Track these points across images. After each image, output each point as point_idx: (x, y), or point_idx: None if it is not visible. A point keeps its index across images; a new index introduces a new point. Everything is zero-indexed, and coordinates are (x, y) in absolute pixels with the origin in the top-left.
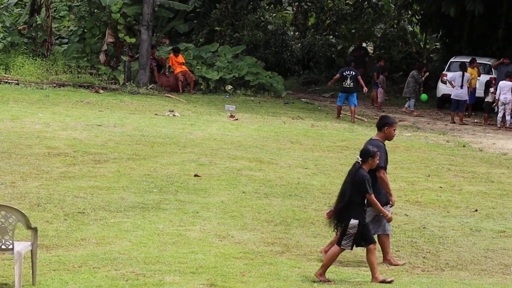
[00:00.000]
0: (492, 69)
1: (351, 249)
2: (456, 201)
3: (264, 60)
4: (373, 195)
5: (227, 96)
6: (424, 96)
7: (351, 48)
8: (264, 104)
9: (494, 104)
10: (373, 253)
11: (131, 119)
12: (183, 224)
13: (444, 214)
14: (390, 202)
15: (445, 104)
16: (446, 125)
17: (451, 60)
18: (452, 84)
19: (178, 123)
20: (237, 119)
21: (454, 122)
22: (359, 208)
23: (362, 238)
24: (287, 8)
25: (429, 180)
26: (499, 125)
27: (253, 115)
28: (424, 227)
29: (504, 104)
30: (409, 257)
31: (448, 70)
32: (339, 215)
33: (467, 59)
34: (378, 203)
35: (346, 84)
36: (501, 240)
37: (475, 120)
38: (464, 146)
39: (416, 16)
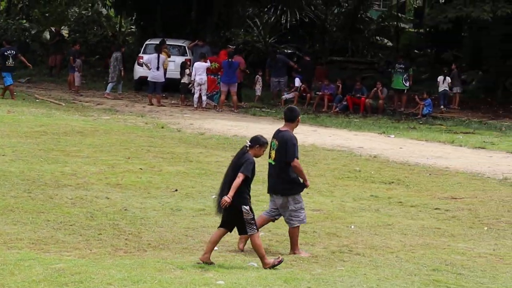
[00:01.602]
0: (187, 50)
1: (257, 231)
2: (157, 181)
3: None
4: (246, 176)
5: None
6: None
7: (46, 32)
8: None
9: (190, 85)
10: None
11: None
12: None
13: (145, 195)
14: (306, 187)
15: (143, 86)
16: (144, 107)
17: (146, 42)
18: (148, 66)
19: None
20: None
21: (152, 104)
22: (244, 193)
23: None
24: None
25: (129, 162)
26: (196, 106)
27: None
28: (125, 209)
29: (200, 84)
30: (112, 239)
31: (144, 52)
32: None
33: None
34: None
35: (9, 63)
36: (201, 218)
37: (172, 102)
38: (162, 127)
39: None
